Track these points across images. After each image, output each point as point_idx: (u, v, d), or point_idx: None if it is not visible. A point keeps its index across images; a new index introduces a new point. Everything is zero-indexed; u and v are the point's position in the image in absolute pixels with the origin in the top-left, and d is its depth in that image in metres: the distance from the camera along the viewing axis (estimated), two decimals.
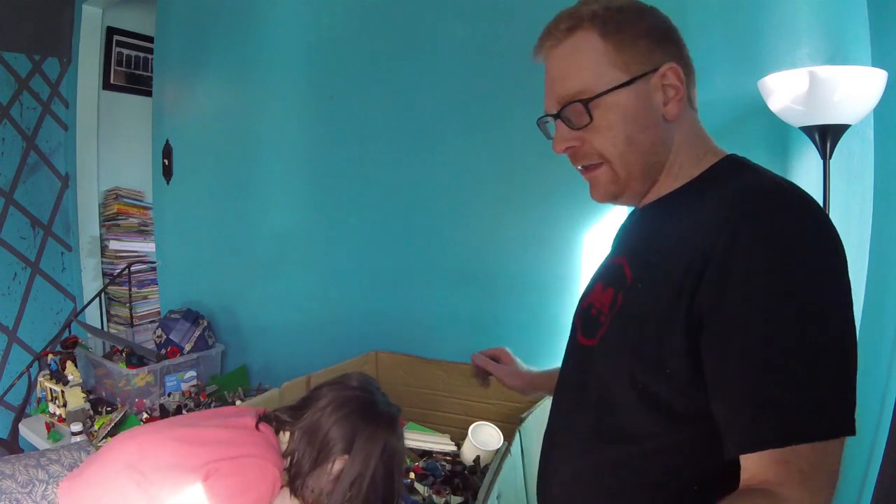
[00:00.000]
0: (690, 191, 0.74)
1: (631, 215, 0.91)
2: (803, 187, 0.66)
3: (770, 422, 0.57)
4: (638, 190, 0.77)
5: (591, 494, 0.74)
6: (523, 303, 1.65)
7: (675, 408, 0.65)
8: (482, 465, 1.44)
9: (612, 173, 0.76)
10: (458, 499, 1.33)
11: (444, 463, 1.48)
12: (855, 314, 0.63)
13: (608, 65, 0.72)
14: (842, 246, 0.62)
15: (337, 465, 1.00)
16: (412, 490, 1.34)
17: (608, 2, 0.75)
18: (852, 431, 0.56)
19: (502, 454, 1.18)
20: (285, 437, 1.05)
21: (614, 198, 0.79)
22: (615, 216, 1.48)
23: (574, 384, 0.80)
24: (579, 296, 0.89)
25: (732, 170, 0.73)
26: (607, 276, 0.81)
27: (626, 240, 0.87)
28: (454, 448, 1.54)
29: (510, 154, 1.65)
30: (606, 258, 0.89)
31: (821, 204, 0.69)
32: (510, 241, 1.67)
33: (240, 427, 0.99)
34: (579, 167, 0.79)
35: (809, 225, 0.62)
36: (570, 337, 0.86)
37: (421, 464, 1.47)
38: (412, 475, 1.39)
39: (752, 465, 0.58)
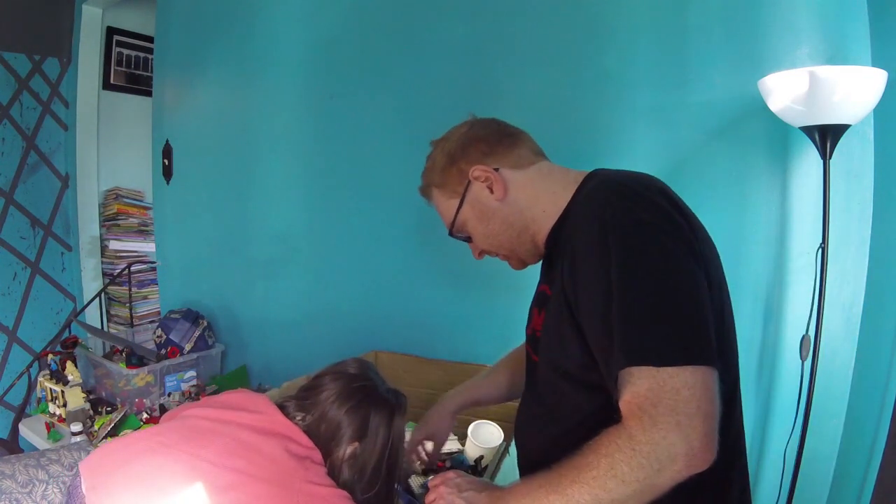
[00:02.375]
0: (557, 229, 0.91)
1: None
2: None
3: (619, 357, 0.69)
4: (533, 253, 0.98)
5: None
6: (523, 303, 1.65)
7: (583, 380, 0.81)
8: (484, 464, 1.44)
9: (505, 257, 1.00)
10: None
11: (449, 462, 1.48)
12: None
13: (447, 200, 0.99)
14: (660, 214, 0.75)
15: (348, 450, 1.02)
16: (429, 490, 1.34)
17: (430, 157, 1.03)
18: (692, 361, 0.66)
19: (501, 453, 1.18)
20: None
21: (524, 266, 1.02)
22: None
23: (528, 393, 1.00)
24: None
25: (590, 183, 0.87)
26: (538, 302, 0.99)
27: (544, 268, 1.03)
28: (460, 446, 1.53)
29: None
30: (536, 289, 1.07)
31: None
32: None
33: (254, 452, 0.97)
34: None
35: (624, 205, 0.76)
36: (528, 358, 1.01)
37: (447, 463, 1.47)
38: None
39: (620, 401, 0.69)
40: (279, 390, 1.43)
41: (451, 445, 1.54)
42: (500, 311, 1.70)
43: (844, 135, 1.16)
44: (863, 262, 1.27)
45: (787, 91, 1.14)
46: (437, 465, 1.46)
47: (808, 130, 1.16)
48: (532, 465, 0.93)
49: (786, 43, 1.29)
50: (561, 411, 0.86)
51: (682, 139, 1.41)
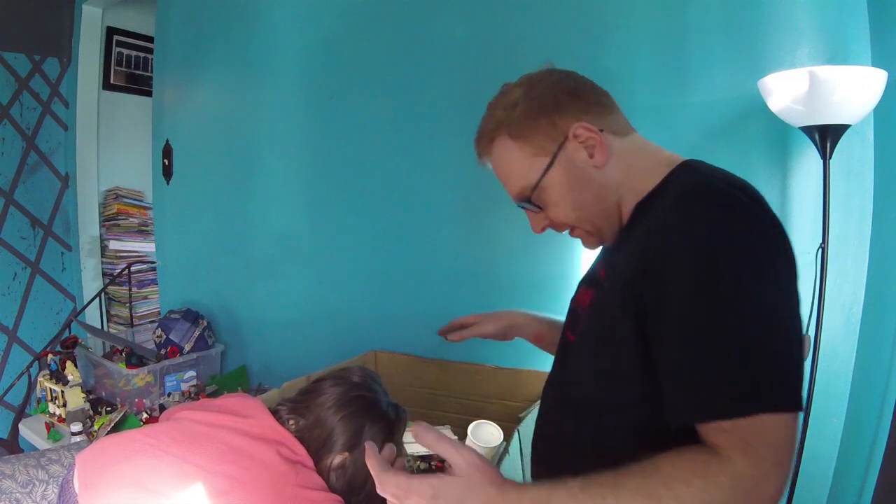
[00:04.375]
0: (645, 204, 0.81)
1: None
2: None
3: (710, 398, 0.63)
4: (613, 230, 0.85)
5: (567, 454, 0.84)
6: (523, 303, 1.64)
7: (632, 381, 0.73)
8: None
9: (583, 231, 0.87)
10: None
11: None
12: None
13: (529, 157, 0.84)
14: (773, 237, 0.68)
15: (336, 459, 1.01)
16: None
17: (506, 100, 0.87)
18: (794, 407, 0.62)
19: (500, 454, 1.18)
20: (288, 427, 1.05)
21: (601, 244, 0.90)
22: None
23: (559, 372, 0.92)
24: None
25: (683, 173, 0.79)
26: (588, 279, 0.93)
27: (604, 251, 0.96)
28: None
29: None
30: (591, 265, 0.99)
31: (770, 205, 0.72)
32: (510, 241, 1.67)
33: (245, 457, 0.96)
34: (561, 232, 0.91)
35: (731, 220, 0.66)
36: (562, 334, 0.95)
37: (445, 463, 1.46)
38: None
39: (703, 433, 0.64)
40: (279, 391, 1.43)
41: None
42: None
43: (844, 135, 1.16)
44: (863, 262, 1.27)
45: (787, 91, 1.14)
46: (436, 464, 1.46)
47: (808, 130, 1.16)
48: (551, 450, 0.89)
49: (786, 43, 1.29)
50: (593, 403, 0.79)
51: (682, 139, 1.41)
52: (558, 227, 0.88)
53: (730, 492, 0.59)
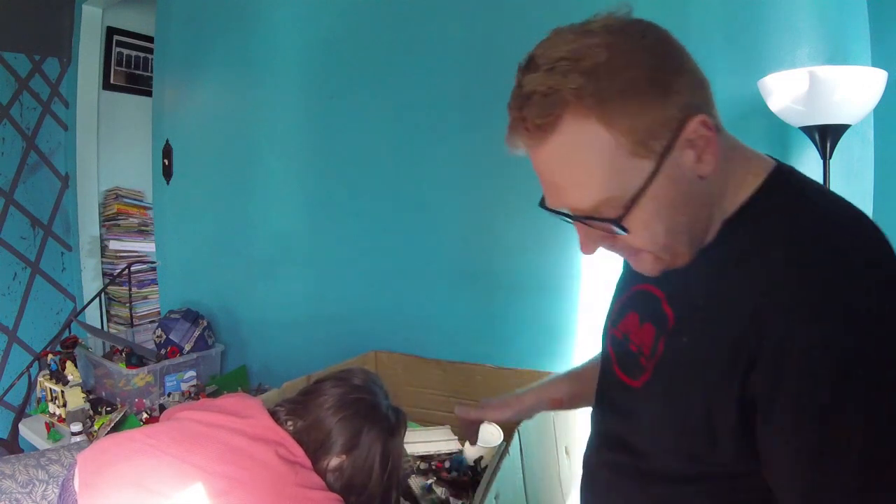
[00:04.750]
0: (736, 227, 0.62)
1: None
2: None
3: None
4: (692, 255, 0.63)
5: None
6: (523, 303, 1.65)
7: (721, 469, 0.61)
8: (483, 464, 1.44)
9: (654, 258, 0.63)
10: (458, 502, 1.33)
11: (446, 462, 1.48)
12: None
13: (625, 156, 0.56)
14: None
15: (334, 461, 1.00)
16: (430, 491, 1.34)
17: (579, 59, 0.55)
18: None
19: (500, 454, 1.18)
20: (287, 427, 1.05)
21: (666, 269, 0.65)
22: None
23: (613, 420, 0.75)
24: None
25: (781, 197, 0.61)
26: (642, 308, 0.71)
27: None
28: (459, 446, 1.53)
29: (510, 153, 1.64)
30: (629, 278, 0.77)
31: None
32: (510, 241, 1.67)
33: (245, 457, 0.96)
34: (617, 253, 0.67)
35: (880, 300, 0.51)
36: (606, 363, 0.78)
37: (445, 463, 1.47)
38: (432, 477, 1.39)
39: None
40: (279, 391, 1.43)
41: (451, 445, 1.54)
42: (501, 311, 1.70)
43: (844, 135, 1.15)
44: None
45: (787, 91, 1.13)
46: (436, 465, 1.46)
47: (808, 130, 1.16)
48: None
49: (786, 43, 1.29)
50: (668, 470, 0.66)
51: None
52: (623, 248, 0.64)
53: None
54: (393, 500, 1.07)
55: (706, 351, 0.59)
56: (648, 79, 0.55)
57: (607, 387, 0.78)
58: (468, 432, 1.07)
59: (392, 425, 1.06)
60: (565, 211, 0.63)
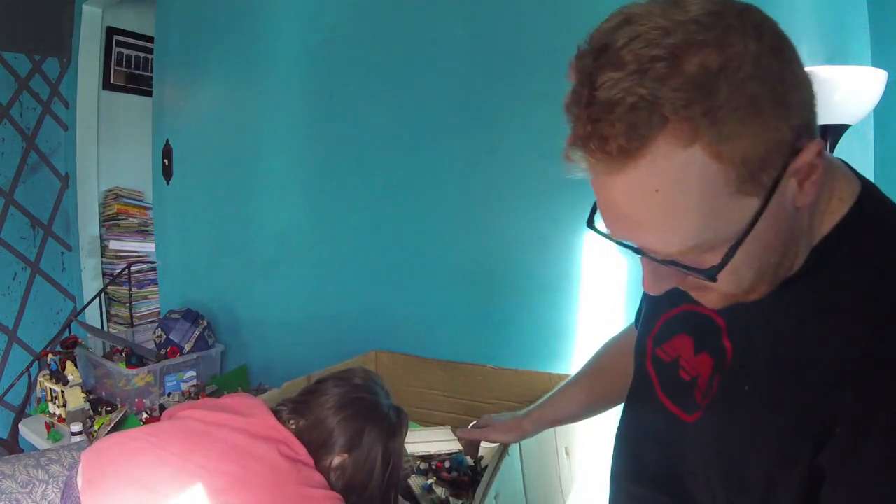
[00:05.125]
0: (817, 263, 0.53)
1: None
2: None
3: None
4: (765, 294, 0.54)
5: None
6: (523, 303, 1.65)
7: None
8: (483, 464, 1.44)
9: (727, 296, 0.53)
10: (458, 502, 1.33)
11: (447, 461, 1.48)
12: None
13: (731, 195, 0.44)
14: None
15: (335, 461, 1.01)
16: (430, 491, 1.34)
17: (684, 49, 0.41)
18: None
19: (500, 454, 1.18)
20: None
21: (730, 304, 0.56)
22: None
23: (656, 454, 0.67)
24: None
25: (870, 234, 0.52)
26: (697, 333, 0.62)
27: None
28: (460, 446, 1.53)
29: (510, 153, 1.65)
30: (679, 291, 0.58)
31: None
32: (510, 241, 1.67)
33: (247, 456, 0.96)
34: None
35: None
36: (643, 384, 0.70)
37: (445, 463, 1.47)
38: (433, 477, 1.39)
39: None
40: (279, 391, 1.43)
41: (451, 445, 1.54)
42: (501, 311, 1.70)
43: (844, 135, 1.15)
44: None
45: None
46: (436, 465, 1.46)
47: None
48: None
49: None
50: None
51: None
52: (695, 288, 0.54)
53: None
54: (392, 499, 1.07)
55: (772, 409, 0.51)
56: (770, 94, 0.43)
57: (649, 413, 0.68)
58: (470, 449, 1.10)
59: (393, 425, 1.07)
60: (634, 246, 0.50)
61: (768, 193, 0.45)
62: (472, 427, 1.10)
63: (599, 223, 0.53)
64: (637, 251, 0.51)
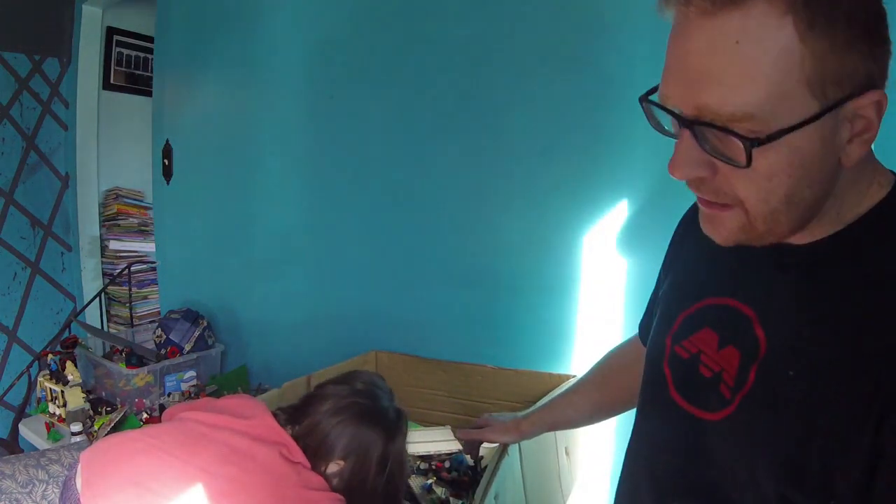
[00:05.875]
0: (856, 242, 0.53)
1: None
2: None
3: None
4: (776, 241, 0.55)
5: None
6: (523, 303, 1.65)
7: None
8: (484, 464, 1.44)
9: (746, 221, 0.53)
10: (458, 502, 1.33)
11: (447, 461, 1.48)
12: None
13: (798, 81, 0.45)
14: None
15: (332, 467, 1.00)
16: (430, 491, 1.34)
17: None
18: None
19: (500, 454, 1.18)
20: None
21: (740, 243, 0.55)
22: (616, 217, 1.47)
23: (674, 461, 0.64)
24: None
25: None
26: (721, 327, 0.61)
27: (733, 273, 0.63)
28: (460, 446, 1.53)
29: (510, 154, 1.65)
30: (698, 287, 0.66)
31: None
32: (510, 241, 1.67)
33: (248, 459, 0.96)
34: (698, 195, 0.56)
35: None
36: (654, 386, 0.68)
37: (445, 463, 1.47)
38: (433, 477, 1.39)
39: None
40: (279, 391, 1.43)
41: (451, 445, 1.54)
42: (501, 311, 1.70)
43: None
44: None
45: None
46: (436, 465, 1.46)
47: None
48: None
49: None
50: None
51: None
52: (718, 192, 0.53)
53: None
54: (398, 502, 1.07)
55: (823, 389, 0.51)
56: (863, 24, 0.46)
57: (661, 418, 0.66)
58: (470, 449, 1.11)
59: (391, 428, 1.06)
60: (678, 111, 0.51)
61: (828, 109, 0.46)
62: (471, 427, 1.11)
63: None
64: (683, 121, 0.50)
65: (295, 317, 2.19)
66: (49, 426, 1.97)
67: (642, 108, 0.56)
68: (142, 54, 3.38)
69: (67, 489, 0.98)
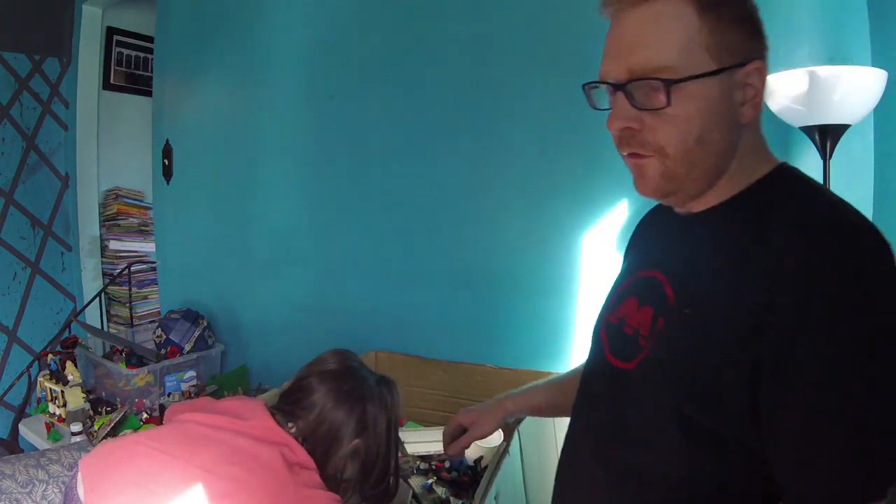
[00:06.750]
0: (750, 203, 0.66)
1: (656, 218, 0.85)
2: None
3: (844, 490, 0.55)
4: (692, 193, 0.69)
5: None
6: (523, 303, 1.65)
7: (725, 444, 0.61)
8: (483, 464, 1.44)
9: (665, 168, 0.66)
10: (458, 502, 1.33)
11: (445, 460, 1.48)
12: None
13: (699, 45, 0.62)
14: None
15: (349, 448, 1.03)
16: (431, 491, 1.35)
17: None
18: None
19: (500, 454, 1.18)
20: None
21: (664, 195, 0.70)
22: (616, 217, 1.48)
23: (605, 409, 0.74)
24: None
25: (790, 186, 0.66)
26: (641, 292, 0.73)
27: (659, 251, 0.77)
28: None
29: (510, 154, 1.65)
30: (630, 266, 0.82)
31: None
32: (510, 241, 1.68)
33: (250, 459, 0.97)
34: (625, 153, 0.69)
35: (890, 274, 0.56)
36: (595, 352, 0.80)
37: (445, 463, 1.47)
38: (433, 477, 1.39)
39: None
40: (279, 391, 1.43)
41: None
42: (501, 311, 1.70)
43: (844, 135, 1.16)
44: None
45: (787, 91, 1.14)
46: (436, 465, 1.46)
47: (808, 130, 1.16)
48: None
49: (786, 43, 1.29)
50: (665, 464, 0.65)
51: None
52: (643, 142, 0.66)
53: None
54: (395, 462, 1.11)
55: (713, 317, 0.62)
56: (745, 16, 0.65)
57: (596, 376, 0.77)
58: (460, 454, 1.12)
59: (386, 394, 1.10)
60: (612, 81, 0.67)
61: (723, 69, 0.63)
62: (453, 429, 1.10)
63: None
64: (618, 87, 0.66)
65: (295, 317, 2.19)
66: (49, 426, 1.97)
67: (584, 92, 0.72)
68: (142, 54, 3.38)
69: (69, 499, 0.98)
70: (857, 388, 0.54)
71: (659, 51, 0.63)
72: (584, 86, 0.72)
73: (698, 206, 0.70)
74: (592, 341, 0.82)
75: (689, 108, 0.63)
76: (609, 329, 0.77)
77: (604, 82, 0.68)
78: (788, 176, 0.68)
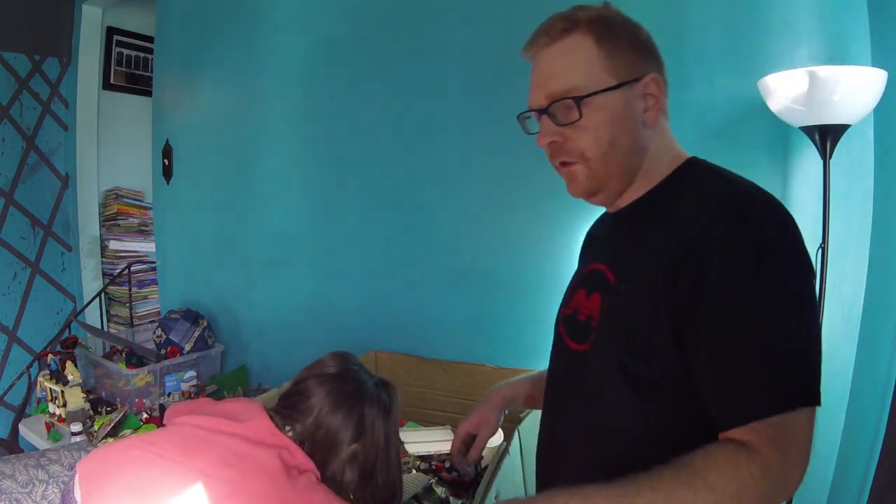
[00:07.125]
0: (664, 192, 0.80)
1: (599, 224, 0.99)
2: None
3: (750, 400, 0.65)
4: (615, 189, 0.82)
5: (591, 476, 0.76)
6: (523, 303, 1.65)
7: (663, 390, 0.71)
8: (483, 464, 1.44)
9: (589, 171, 0.80)
10: (458, 502, 1.33)
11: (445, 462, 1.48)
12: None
13: (599, 68, 0.77)
14: (803, 242, 0.71)
15: (348, 452, 1.02)
16: (430, 491, 1.34)
17: (602, 11, 0.82)
18: (818, 402, 0.65)
19: (501, 454, 1.18)
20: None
21: (591, 194, 0.83)
22: None
23: (568, 387, 0.85)
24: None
25: (701, 171, 0.80)
26: (589, 283, 0.85)
27: (601, 247, 0.92)
28: None
29: (510, 154, 1.65)
30: (579, 267, 0.96)
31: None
32: (510, 241, 1.68)
33: (248, 461, 0.96)
34: (557, 163, 0.83)
35: (785, 226, 0.70)
36: (557, 343, 0.90)
37: (445, 463, 1.47)
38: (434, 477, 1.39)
39: (731, 433, 0.66)
40: (279, 391, 1.43)
41: (445, 443, 1.54)
42: (501, 311, 1.70)
43: (844, 135, 1.16)
44: (863, 261, 1.27)
45: (787, 91, 1.14)
46: (436, 465, 1.46)
47: (808, 130, 1.16)
48: (562, 477, 0.80)
49: (786, 43, 1.29)
50: (621, 420, 0.75)
51: (682, 139, 1.40)
52: (568, 151, 0.80)
53: (761, 483, 0.62)
54: (396, 461, 1.10)
55: (642, 284, 0.73)
56: (634, 42, 0.80)
57: (560, 363, 0.89)
58: (464, 467, 1.16)
59: (385, 398, 1.09)
60: (537, 107, 0.81)
61: (622, 81, 0.77)
62: (461, 439, 1.12)
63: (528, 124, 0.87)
64: (542, 111, 0.80)
65: (295, 317, 2.19)
66: (49, 426, 1.97)
67: (519, 122, 0.89)
68: (142, 54, 3.38)
69: (66, 502, 0.97)
70: (752, 319, 0.65)
71: (568, 77, 0.78)
72: (518, 116, 0.87)
73: (623, 202, 0.84)
74: (554, 335, 0.92)
75: (598, 118, 0.77)
76: (566, 320, 0.88)
77: (532, 110, 0.83)
78: (696, 167, 0.81)
